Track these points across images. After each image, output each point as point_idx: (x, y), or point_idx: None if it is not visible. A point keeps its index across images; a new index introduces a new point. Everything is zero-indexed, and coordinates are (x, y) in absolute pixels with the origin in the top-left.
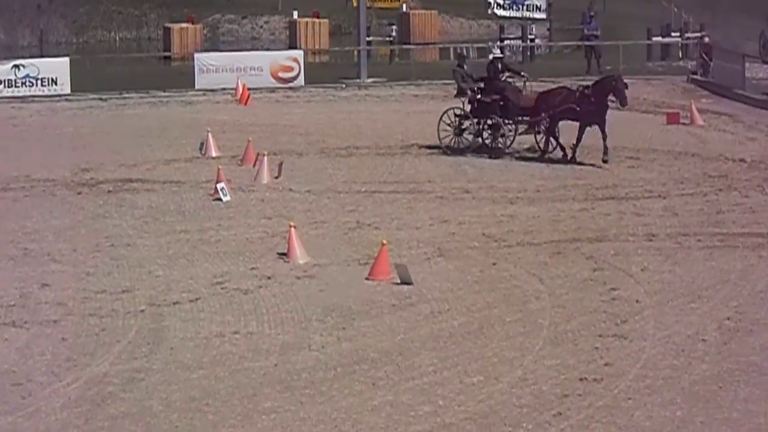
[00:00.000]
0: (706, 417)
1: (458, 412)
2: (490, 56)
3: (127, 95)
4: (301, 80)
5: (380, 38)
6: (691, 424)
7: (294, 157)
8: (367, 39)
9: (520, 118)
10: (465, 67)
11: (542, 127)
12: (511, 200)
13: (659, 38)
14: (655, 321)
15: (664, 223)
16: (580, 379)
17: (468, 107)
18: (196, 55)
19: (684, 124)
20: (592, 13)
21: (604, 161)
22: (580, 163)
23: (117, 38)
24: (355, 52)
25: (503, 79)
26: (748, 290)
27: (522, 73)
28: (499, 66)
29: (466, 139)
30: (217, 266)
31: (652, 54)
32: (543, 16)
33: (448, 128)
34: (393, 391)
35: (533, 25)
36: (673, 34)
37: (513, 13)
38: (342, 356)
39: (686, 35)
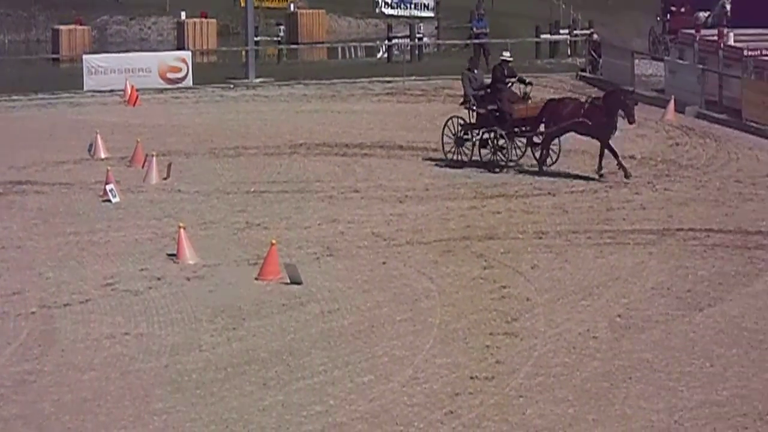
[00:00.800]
0: (598, 414)
1: (349, 412)
2: (500, 59)
3: (15, 97)
4: (189, 81)
5: (268, 38)
6: (583, 422)
7: (183, 157)
8: (255, 39)
9: (519, 130)
10: (476, 71)
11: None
12: (400, 199)
13: (548, 36)
14: (546, 318)
15: (554, 220)
16: (472, 378)
17: (473, 116)
18: (84, 57)
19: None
20: (480, 11)
21: (601, 175)
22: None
23: (6, 40)
24: (243, 52)
25: (508, 86)
26: (639, 287)
27: (527, 81)
28: (505, 71)
29: (468, 150)
30: (107, 268)
31: (541, 51)
32: (431, 14)
33: (451, 138)
34: (284, 391)
35: (421, 24)
36: (561, 31)
37: (401, 12)
38: (232, 357)
39: (575, 32)
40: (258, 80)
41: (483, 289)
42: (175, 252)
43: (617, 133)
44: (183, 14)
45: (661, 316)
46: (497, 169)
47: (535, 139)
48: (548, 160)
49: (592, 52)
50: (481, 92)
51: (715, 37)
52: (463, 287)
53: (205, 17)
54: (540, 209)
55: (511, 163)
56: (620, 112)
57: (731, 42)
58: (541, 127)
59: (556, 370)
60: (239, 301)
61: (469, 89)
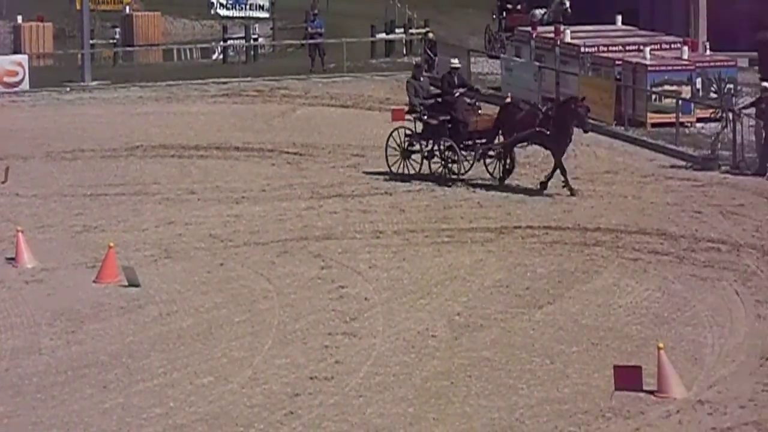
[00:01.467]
0: (438, 413)
1: (189, 414)
2: (449, 67)
3: None
4: (26, 84)
5: (104, 41)
6: (423, 420)
7: (20, 161)
8: (91, 42)
9: (473, 142)
10: (422, 79)
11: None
12: (236, 200)
13: (383, 35)
14: (385, 318)
15: (391, 219)
16: (311, 378)
17: (419, 126)
18: None
19: (409, 120)
20: (315, 12)
21: (572, 193)
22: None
23: None
24: (79, 56)
25: (456, 95)
26: (478, 285)
27: (476, 88)
28: (455, 79)
29: (415, 162)
30: None
31: (377, 51)
32: (266, 15)
33: (396, 150)
34: (124, 394)
35: (256, 25)
36: (397, 30)
37: (236, 13)
38: (72, 360)
39: (410, 31)
40: (94, 83)
41: (321, 289)
42: (13, 256)
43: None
44: (19, 18)
45: (501, 314)
46: (449, 183)
47: (490, 152)
48: (506, 170)
49: (428, 51)
50: (430, 101)
51: (552, 35)
52: (300, 287)
53: (42, 21)
54: (377, 208)
55: (462, 176)
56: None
57: (568, 39)
58: (499, 138)
59: (396, 369)
60: (78, 304)
61: (415, 98)
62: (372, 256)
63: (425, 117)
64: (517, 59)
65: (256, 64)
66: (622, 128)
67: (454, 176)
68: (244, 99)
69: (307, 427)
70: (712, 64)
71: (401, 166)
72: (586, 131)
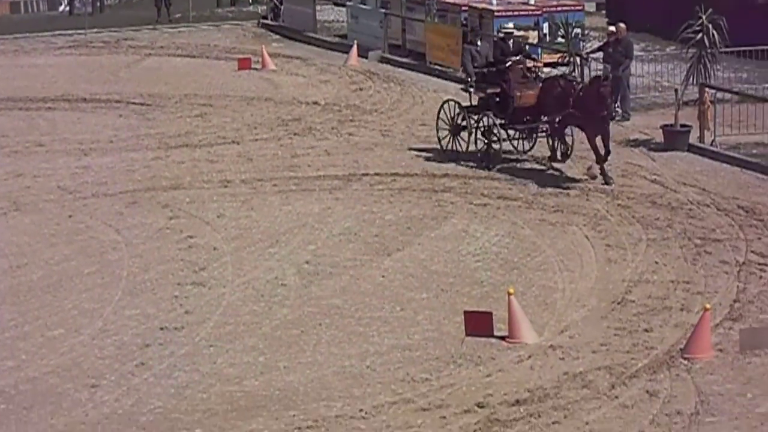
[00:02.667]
0: (289, 361)
1: (41, 366)
2: (501, 32)
3: None
4: None
5: None
6: (274, 369)
7: None
8: None
9: (521, 119)
10: (479, 44)
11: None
12: (84, 152)
13: None
14: (234, 267)
15: (238, 168)
16: (161, 328)
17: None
18: None
19: (256, 69)
20: None
21: (606, 181)
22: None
23: None
24: None
25: (508, 64)
26: (326, 233)
27: (532, 56)
28: (510, 46)
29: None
30: None
31: (222, 0)
32: None
33: (446, 125)
34: None
35: None
36: None
37: None
38: None
39: None
40: None
41: (170, 239)
42: None
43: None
44: None
45: (350, 261)
46: (490, 166)
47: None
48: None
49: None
50: (485, 70)
51: None
52: (149, 238)
53: None
54: (224, 158)
55: (514, 156)
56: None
57: None
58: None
59: (246, 318)
60: None
61: (470, 66)
62: (220, 205)
63: (472, 89)
64: (363, 6)
65: (103, 15)
66: None
67: (493, 157)
68: (91, 50)
69: (158, 378)
70: (559, 8)
71: (450, 142)
72: (606, 117)
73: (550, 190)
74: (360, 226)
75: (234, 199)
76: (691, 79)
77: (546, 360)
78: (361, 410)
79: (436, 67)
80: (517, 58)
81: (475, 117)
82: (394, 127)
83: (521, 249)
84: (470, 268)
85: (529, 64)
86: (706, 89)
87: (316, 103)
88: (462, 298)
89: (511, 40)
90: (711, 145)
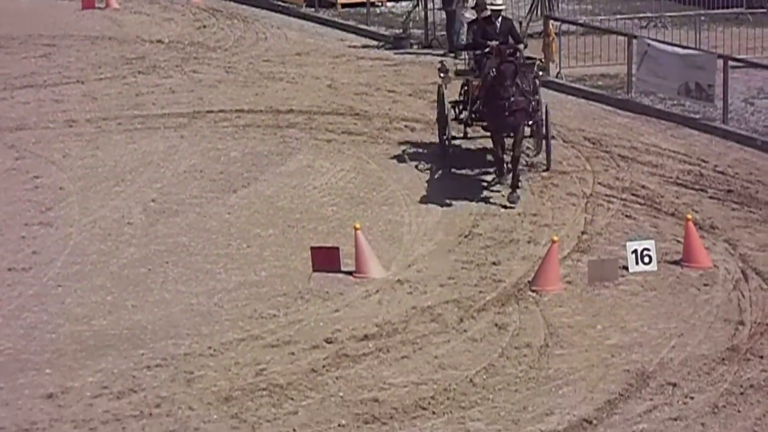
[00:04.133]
0: (137, 300)
1: None
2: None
3: None
4: None
5: None
6: (122, 309)
7: None
8: None
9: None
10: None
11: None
12: None
13: None
14: (80, 207)
15: (83, 108)
16: (9, 269)
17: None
18: None
19: (99, 8)
20: None
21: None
22: None
23: None
24: None
25: (486, 50)
26: (172, 171)
27: (524, 44)
28: (496, 26)
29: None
30: None
31: None
32: None
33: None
34: None
35: None
36: None
37: None
38: None
39: None
40: None
41: (16, 179)
42: None
43: None
44: None
45: (195, 198)
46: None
47: None
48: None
49: None
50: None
51: None
52: None
53: None
54: (69, 97)
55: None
56: None
57: None
58: None
59: (93, 257)
60: None
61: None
62: (66, 145)
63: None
64: None
65: None
66: (313, 9)
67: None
68: None
69: (6, 319)
70: None
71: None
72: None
73: (395, 124)
74: (205, 163)
75: (79, 138)
76: (535, 11)
77: (394, 294)
78: (209, 347)
79: (279, 3)
80: (499, 43)
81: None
82: (238, 64)
83: (367, 184)
84: (316, 203)
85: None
86: (551, 21)
87: (159, 41)
88: (308, 234)
89: (499, 19)
90: (556, 77)
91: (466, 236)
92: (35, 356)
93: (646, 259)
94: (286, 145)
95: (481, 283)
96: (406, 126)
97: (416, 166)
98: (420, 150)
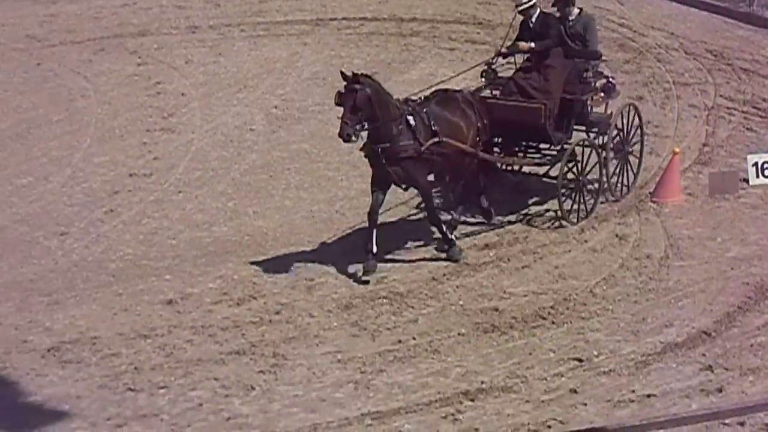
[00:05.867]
0: (258, 206)
1: (10, 215)
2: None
3: None
4: None
5: None
6: (243, 215)
7: None
8: None
9: None
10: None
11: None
12: (53, 0)
13: None
14: (202, 113)
15: (206, 14)
16: (130, 175)
17: None
18: None
19: None
20: None
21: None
22: None
23: None
24: None
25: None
26: (294, 78)
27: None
28: (537, 25)
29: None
30: None
31: None
32: None
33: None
34: None
35: None
36: None
37: None
38: None
39: None
40: None
41: (138, 86)
42: None
43: None
44: None
45: (318, 106)
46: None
47: None
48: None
49: None
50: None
51: None
52: (118, 85)
53: None
54: (192, 3)
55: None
56: None
57: None
58: None
59: (214, 164)
60: None
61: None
62: (188, 51)
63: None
64: None
65: None
66: None
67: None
68: None
69: (127, 225)
70: None
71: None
72: None
73: None
74: (328, 70)
75: (202, 44)
76: None
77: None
78: (330, 255)
79: None
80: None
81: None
82: None
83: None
84: None
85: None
86: None
87: None
88: None
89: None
90: None
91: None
92: (155, 262)
93: (767, 172)
94: (409, 54)
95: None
96: None
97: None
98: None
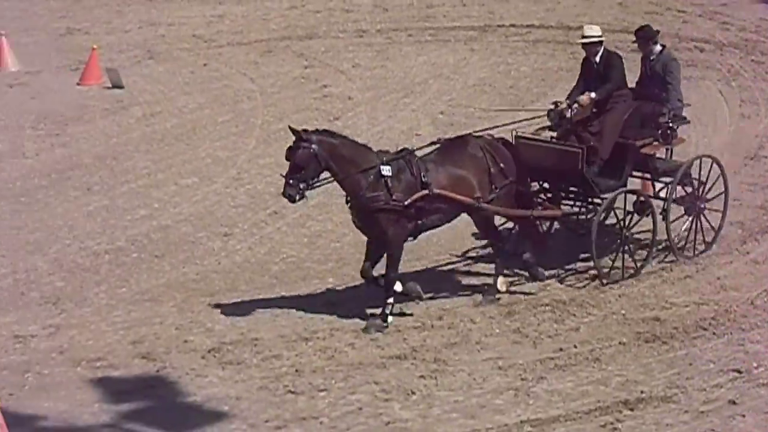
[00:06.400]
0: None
1: (174, 214)
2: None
3: None
4: None
5: None
6: None
7: None
8: None
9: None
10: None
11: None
12: (219, 0)
13: None
14: (369, 117)
15: (374, 18)
16: None
17: None
18: None
19: None
20: None
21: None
22: None
23: None
24: None
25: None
26: (461, 84)
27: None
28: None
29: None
30: None
31: None
32: None
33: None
34: (108, 196)
35: None
36: None
37: None
38: (56, 162)
39: None
40: None
41: (304, 88)
42: None
43: None
44: None
45: (484, 112)
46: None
47: None
48: None
49: None
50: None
51: None
52: (284, 87)
53: None
54: (360, 7)
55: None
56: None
57: None
58: None
59: None
60: (62, 107)
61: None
62: (355, 55)
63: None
64: None
65: None
66: None
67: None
68: None
69: (291, 227)
70: None
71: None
72: None
73: (684, 44)
74: (495, 77)
75: (369, 48)
76: None
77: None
78: (491, 261)
79: None
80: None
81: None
82: None
83: None
84: None
85: None
86: None
87: None
88: None
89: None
90: None
91: (751, 158)
92: (318, 265)
93: None
94: (576, 62)
95: (765, 206)
96: (695, 47)
97: (704, 87)
98: (707, 70)
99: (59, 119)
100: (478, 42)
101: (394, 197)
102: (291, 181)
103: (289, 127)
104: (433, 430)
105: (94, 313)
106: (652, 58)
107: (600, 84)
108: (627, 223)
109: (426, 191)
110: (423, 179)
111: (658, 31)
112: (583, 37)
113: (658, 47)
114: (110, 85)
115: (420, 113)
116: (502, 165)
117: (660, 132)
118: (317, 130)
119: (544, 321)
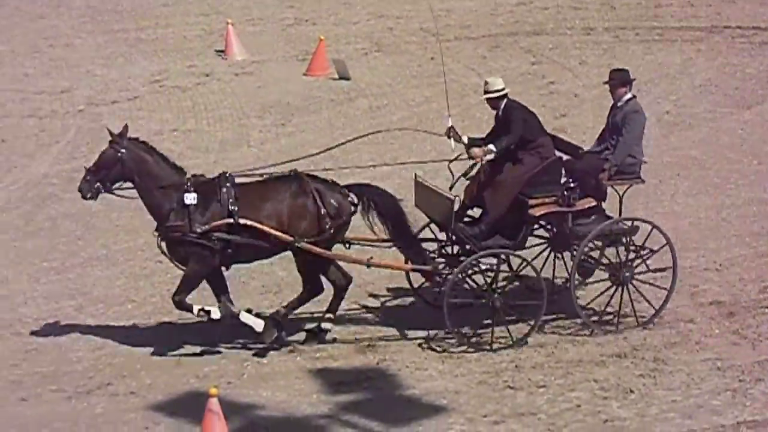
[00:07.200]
0: (645, 210)
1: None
2: None
3: None
4: None
5: None
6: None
7: None
8: None
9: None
10: None
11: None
12: None
13: None
14: (594, 115)
15: (602, 16)
16: None
17: None
18: None
19: None
20: None
21: None
22: None
23: None
24: None
25: None
26: (687, 84)
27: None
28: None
29: None
30: (154, 64)
31: None
32: None
33: None
34: None
35: None
36: None
37: None
38: (281, 152)
39: None
40: None
41: (531, 84)
42: (223, 48)
43: None
44: None
45: (709, 113)
46: None
47: None
48: None
49: None
50: None
51: None
52: (511, 83)
53: None
54: (588, 5)
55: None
56: None
57: None
58: None
59: None
60: (288, 97)
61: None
62: (582, 52)
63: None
64: None
65: None
66: None
67: None
68: None
69: None
70: None
71: None
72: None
73: None
74: (720, 78)
75: (596, 46)
76: None
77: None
78: (715, 261)
79: None
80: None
81: None
82: None
83: None
84: None
85: None
86: None
87: None
88: None
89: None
90: None
91: None
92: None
93: None
94: None
95: None
96: None
97: None
98: None
99: (285, 109)
100: (705, 42)
101: (193, 228)
102: (89, 177)
103: (107, 128)
104: (650, 429)
105: (314, 304)
106: (619, 104)
107: (503, 135)
108: (491, 284)
109: (230, 220)
110: (230, 208)
111: (633, 79)
112: (485, 92)
113: (628, 95)
114: (337, 77)
115: (646, 112)
116: (328, 209)
117: (560, 193)
118: (137, 138)
119: (764, 323)
